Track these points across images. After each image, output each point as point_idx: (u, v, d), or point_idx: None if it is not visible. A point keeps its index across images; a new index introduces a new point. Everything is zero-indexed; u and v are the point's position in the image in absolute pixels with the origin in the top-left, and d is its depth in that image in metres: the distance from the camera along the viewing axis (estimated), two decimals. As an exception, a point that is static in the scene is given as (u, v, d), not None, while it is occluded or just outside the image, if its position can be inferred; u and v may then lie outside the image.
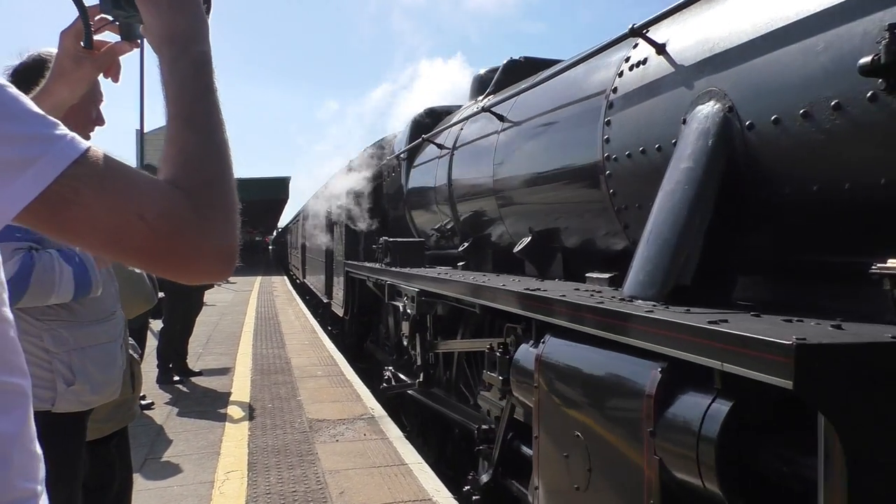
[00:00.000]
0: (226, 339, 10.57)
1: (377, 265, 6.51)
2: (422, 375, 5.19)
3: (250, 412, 6.04)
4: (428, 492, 4.11)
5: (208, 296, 8.83)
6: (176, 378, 7.37)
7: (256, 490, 4.13)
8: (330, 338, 10.74)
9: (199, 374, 7.71)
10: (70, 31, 1.25)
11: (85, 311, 2.05)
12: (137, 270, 3.06)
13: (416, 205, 6.81)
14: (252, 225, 51.31)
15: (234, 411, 6.11)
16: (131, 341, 3.21)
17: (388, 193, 8.31)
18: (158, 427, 5.58)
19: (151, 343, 8.10)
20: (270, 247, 51.04)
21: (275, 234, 53.17)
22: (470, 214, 5.19)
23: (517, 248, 3.87)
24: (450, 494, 4.12)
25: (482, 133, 4.92)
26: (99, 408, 2.79)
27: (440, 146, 5.98)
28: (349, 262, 8.62)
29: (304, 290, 19.32)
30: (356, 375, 7.81)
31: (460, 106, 6.77)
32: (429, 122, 6.98)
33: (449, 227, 5.76)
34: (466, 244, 5.00)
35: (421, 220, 6.79)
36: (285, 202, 39.23)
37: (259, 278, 27.20)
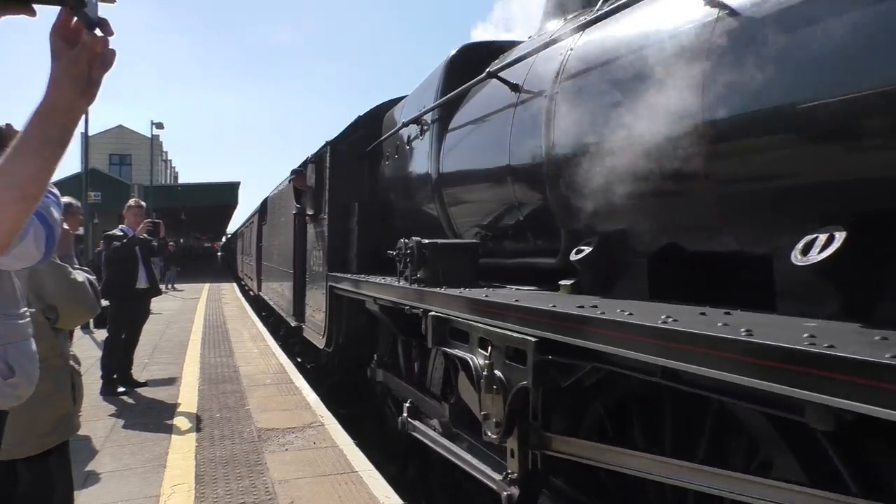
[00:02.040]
0: (173, 349, 10.41)
1: (399, 282, 4.24)
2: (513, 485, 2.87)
3: (198, 423, 5.94)
4: (379, 499, 4.11)
5: (154, 304, 8.62)
6: (120, 389, 7.20)
7: (204, 502, 4.06)
8: (302, 373, 8.58)
9: (145, 384, 7.58)
10: (53, 28, 1.19)
11: (5, 305, 1.99)
12: (80, 278, 3.00)
13: (460, 187, 4.56)
14: (200, 231, 50.34)
15: (180, 422, 5.99)
16: (73, 352, 3.15)
17: (395, 177, 6.08)
18: (102, 440, 5.43)
19: (94, 353, 7.89)
20: (219, 253, 50.11)
21: (224, 240, 52.30)
22: (601, 195, 2.83)
23: (811, 258, 1.84)
24: (401, 501, 4.13)
25: (650, 40, 2.65)
26: (41, 421, 2.73)
27: (518, 87, 3.72)
28: (336, 274, 6.29)
29: (260, 304, 16.28)
30: (305, 383, 7.74)
31: (522, 41, 4.63)
32: (477, 62, 4.54)
33: (531, 218, 3.66)
34: (587, 249, 2.94)
35: (467, 211, 4.55)
36: (234, 207, 38.73)
37: (207, 285, 26.76)
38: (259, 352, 10.21)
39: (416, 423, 4.41)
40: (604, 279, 2.92)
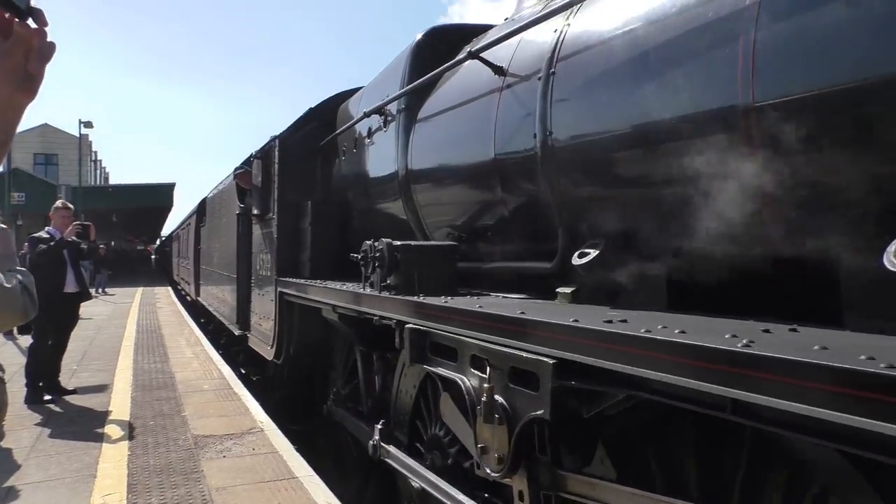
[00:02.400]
0: (104, 355, 10.07)
1: (364, 288, 3.86)
2: None
3: (130, 431, 5.76)
4: (318, 504, 4.09)
5: (84, 308, 8.31)
6: (47, 397, 6.95)
7: (137, 512, 3.96)
8: (247, 386, 7.84)
9: (74, 392, 7.31)
10: None
11: None
12: (7, 284, 2.88)
13: (432, 183, 4.11)
14: (133, 233, 48.77)
15: (112, 430, 5.80)
16: (-4, 358, 3.02)
17: (354, 174, 5.54)
18: (27, 450, 5.21)
19: (19, 360, 7.55)
20: (154, 256, 48.66)
21: (158, 242, 50.84)
22: (612, 190, 2.59)
23: None
24: (340, 505, 4.12)
25: (670, 8, 2.24)
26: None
27: (503, 70, 3.32)
28: (287, 279, 5.81)
29: (198, 310, 15.39)
30: (244, 388, 7.60)
31: (492, 25, 4.28)
32: (447, 47, 4.25)
33: (521, 217, 3.27)
34: (592, 252, 2.52)
35: (441, 210, 4.12)
36: (170, 209, 37.69)
37: (141, 289, 25.95)
38: (196, 358, 9.96)
39: (391, 448, 3.81)
40: (611, 287, 2.47)
